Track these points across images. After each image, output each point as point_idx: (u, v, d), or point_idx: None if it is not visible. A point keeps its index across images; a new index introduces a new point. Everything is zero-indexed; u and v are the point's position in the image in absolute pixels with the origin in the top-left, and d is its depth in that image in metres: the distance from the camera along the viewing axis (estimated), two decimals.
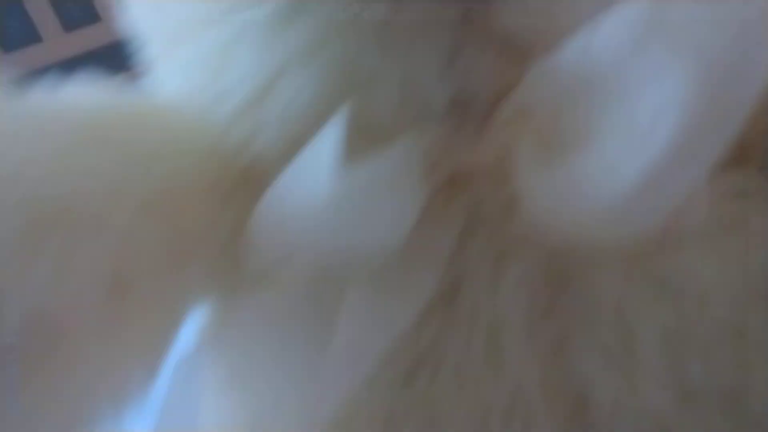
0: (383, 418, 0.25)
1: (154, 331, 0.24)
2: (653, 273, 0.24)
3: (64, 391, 0.21)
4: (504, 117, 0.23)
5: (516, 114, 0.23)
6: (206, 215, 0.25)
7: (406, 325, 0.24)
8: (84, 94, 0.25)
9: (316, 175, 0.21)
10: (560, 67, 0.22)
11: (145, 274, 0.23)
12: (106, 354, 0.22)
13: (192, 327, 0.28)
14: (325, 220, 0.20)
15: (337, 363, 0.23)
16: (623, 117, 0.20)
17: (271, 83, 0.22)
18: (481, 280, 0.25)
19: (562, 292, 0.25)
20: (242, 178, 0.26)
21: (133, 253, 0.23)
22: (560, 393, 0.25)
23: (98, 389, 0.22)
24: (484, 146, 0.24)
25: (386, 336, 0.23)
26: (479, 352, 0.24)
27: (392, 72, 0.22)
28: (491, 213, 0.25)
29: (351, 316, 0.23)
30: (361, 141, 0.23)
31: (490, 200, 0.25)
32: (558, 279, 0.25)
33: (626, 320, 0.24)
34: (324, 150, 0.21)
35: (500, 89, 0.24)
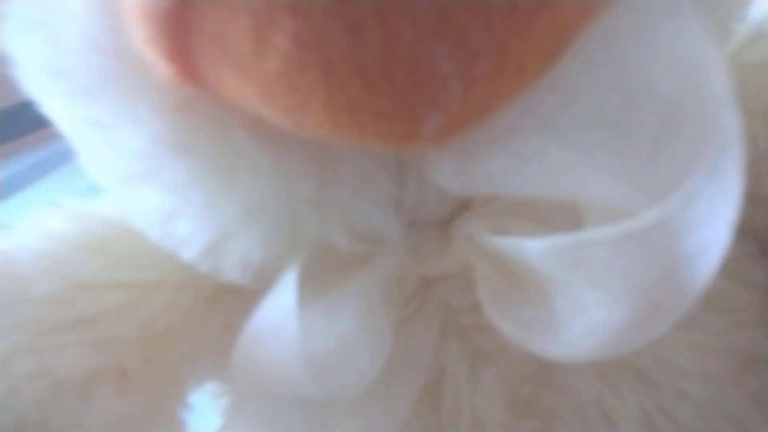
0: None
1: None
2: (628, 365, 0.25)
3: None
4: (457, 239, 0.24)
5: (467, 238, 0.23)
6: (195, 324, 0.27)
7: (399, 420, 0.25)
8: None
9: (280, 324, 0.22)
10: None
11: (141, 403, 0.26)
12: None
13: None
14: (296, 364, 0.21)
15: None
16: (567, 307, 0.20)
17: (217, 245, 0.23)
18: (461, 379, 0.26)
19: (542, 387, 0.26)
20: (224, 286, 0.27)
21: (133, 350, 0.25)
22: None
23: None
24: (447, 257, 0.24)
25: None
26: None
27: (336, 223, 0.22)
28: (463, 315, 0.26)
29: (345, 416, 0.25)
30: (327, 271, 0.24)
31: (460, 303, 0.25)
32: (536, 376, 0.25)
33: (606, 411, 0.25)
34: (283, 302, 0.22)
35: (452, 209, 0.24)
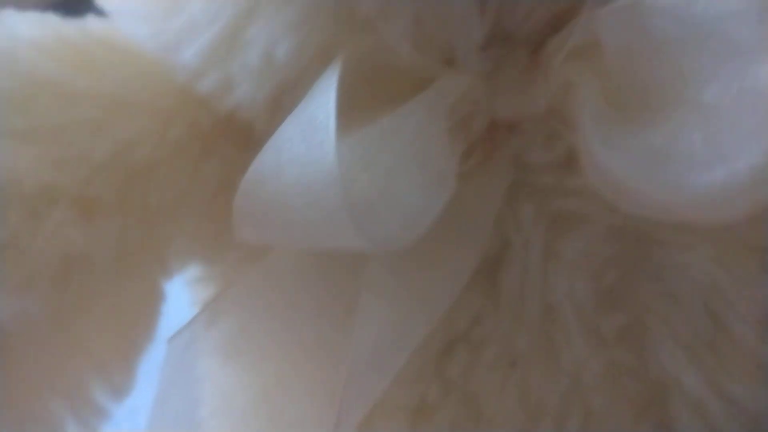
0: (411, 408, 0.22)
1: (132, 305, 0.22)
2: (749, 246, 0.20)
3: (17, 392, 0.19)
4: (561, 55, 0.18)
5: (578, 51, 0.18)
6: (185, 165, 0.21)
7: (444, 306, 0.20)
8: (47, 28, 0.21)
9: (312, 142, 0.16)
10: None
11: (135, 217, 0.20)
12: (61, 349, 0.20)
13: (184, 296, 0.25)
14: (331, 199, 0.16)
15: (362, 357, 0.19)
16: (736, 88, 0.15)
17: (235, 31, 0.17)
18: (532, 253, 0.20)
19: (634, 272, 0.20)
20: (224, 124, 0.21)
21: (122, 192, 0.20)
22: (628, 391, 0.21)
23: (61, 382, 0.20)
24: (533, 91, 0.19)
25: (420, 321, 0.20)
26: (527, 338, 0.20)
27: (400, 19, 0.17)
28: (545, 168, 0.20)
29: (375, 295, 0.19)
30: (373, 94, 0.18)
31: (542, 154, 0.20)
32: (629, 256, 0.20)
33: (715, 303, 0.20)
34: (319, 111, 0.16)
35: (551, 20, 0.18)
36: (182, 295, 0.25)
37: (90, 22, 0.22)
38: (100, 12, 0.22)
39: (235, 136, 0.21)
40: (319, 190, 0.16)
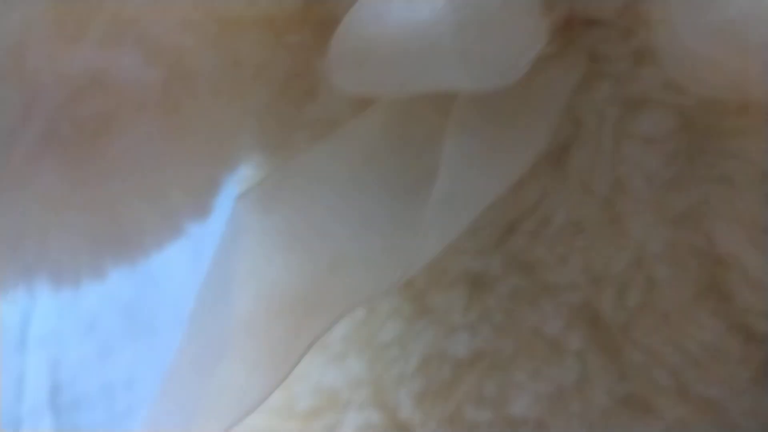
0: (471, 278, 0.23)
1: (205, 162, 0.22)
2: None
3: (107, 202, 0.19)
4: None
5: None
6: (259, 50, 0.21)
7: (512, 178, 0.20)
8: None
9: None
10: None
11: (197, 93, 0.20)
12: (158, 173, 0.20)
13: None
14: (426, 48, 0.16)
15: (433, 214, 0.19)
16: None
17: None
18: (603, 131, 0.21)
19: (698, 156, 0.21)
20: (300, 13, 0.21)
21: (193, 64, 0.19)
22: (691, 266, 0.21)
23: (147, 211, 0.20)
24: None
25: (489, 190, 0.20)
26: (595, 208, 0.21)
27: None
28: (618, 61, 0.21)
29: (450, 164, 0.20)
30: None
31: (616, 49, 0.20)
32: (694, 140, 0.21)
33: None
34: None
35: None
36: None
37: None
38: None
39: (315, 21, 0.21)
40: (427, 29, 0.17)
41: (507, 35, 0.18)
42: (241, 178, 0.25)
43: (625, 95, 0.21)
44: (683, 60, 0.18)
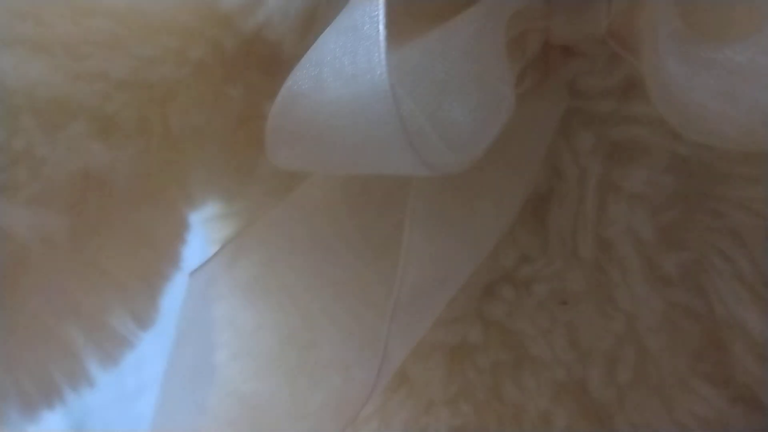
0: (449, 348, 0.20)
1: (156, 232, 0.20)
2: None
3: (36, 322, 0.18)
4: None
5: None
6: (207, 89, 0.20)
7: (493, 241, 0.18)
8: None
9: (358, 53, 0.14)
10: None
11: (161, 142, 0.19)
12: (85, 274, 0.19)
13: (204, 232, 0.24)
14: (380, 117, 0.14)
15: (406, 295, 0.17)
16: None
17: None
18: (588, 184, 0.18)
19: (696, 207, 0.19)
20: (248, 46, 0.20)
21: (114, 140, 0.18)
22: (687, 332, 0.19)
23: (79, 314, 0.19)
24: (594, 11, 0.17)
25: (467, 258, 0.18)
26: (580, 275, 0.19)
27: None
28: (601, 96, 0.18)
29: (420, 230, 0.18)
30: (420, 6, 0.16)
31: (599, 80, 0.18)
32: (691, 189, 0.18)
33: None
34: (364, 20, 0.14)
35: None
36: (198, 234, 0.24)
37: None
38: None
39: (260, 60, 0.20)
40: (366, 106, 0.14)
41: (467, 106, 0.15)
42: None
43: (611, 142, 0.18)
44: (676, 105, 0.16)
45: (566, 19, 0.17)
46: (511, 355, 0.20)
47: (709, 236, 0.19)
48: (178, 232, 0.21)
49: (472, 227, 0.18)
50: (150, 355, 0.23)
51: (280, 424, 0.21)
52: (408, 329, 0.18)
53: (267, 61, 0.19)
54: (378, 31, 0.14)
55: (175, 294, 0.22)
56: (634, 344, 0.19)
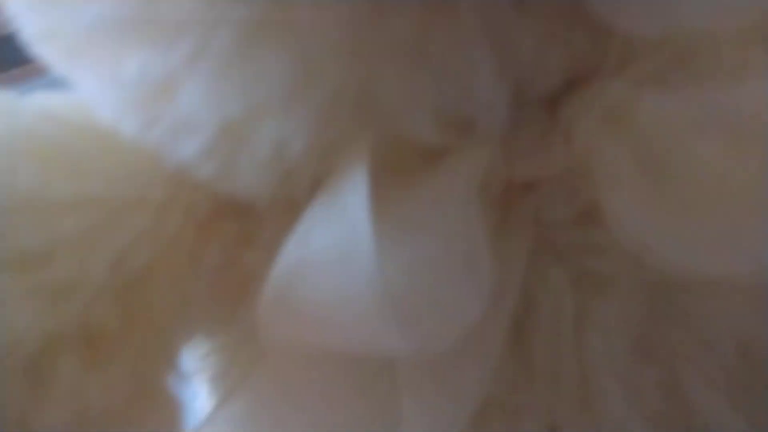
0: None
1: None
2: None
3: None
4: (584, 121, 0.17)
5: (602, 120, 0.17)
6: (183, 257, 0.20)
7: (482, 390, 0.19)
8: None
9: (343, 237, 0.15)
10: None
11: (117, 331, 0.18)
12: None
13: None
14: (369, 300, 0.14)
15: None
16: None
17: (242, 126, 0.16)
18: (564, 317, 0.19)
19: (665, 323, 0.20)
20: (223, 206, 0.20)
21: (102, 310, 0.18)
22: None
23: None
24: (552, 152, 0.18)
25: (463, 408, 0.18)
26: (566, 404, 0.20)
27: (426, 89, 0.16)
28: (565, 228, 0.19)
29: (414, 397, 0.18)
30: (399, 168, 0.17)
31: (562, 212, 0.19)
32: (659, 307, 0.19)
33: (753, 355, 0.19)
34: (349, 205, 0.15)
35: (566, 83, 0.17)
36: None
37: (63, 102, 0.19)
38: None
39: (234, 212, 0.20)
40: (354, 288, 0.15)
41: (450, 294, 0.16)
42: None
43: (579, 273, 0.19)
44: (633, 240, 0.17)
45: (526, 162, 0.18)
46: None
47: (678, 348, 0.20)
48: (174, 418, 0.21)
49: (462, 381, 0.19)
50: None
51: None
52: None
53: (242, 211, 0.20)
54: (364, 218, 0.15)
55: None
56: None
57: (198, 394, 0.24)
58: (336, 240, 0.15)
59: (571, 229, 0.19)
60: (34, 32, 0.18)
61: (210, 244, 0.20)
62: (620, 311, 0.19)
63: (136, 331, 0.18)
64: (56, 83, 0.19)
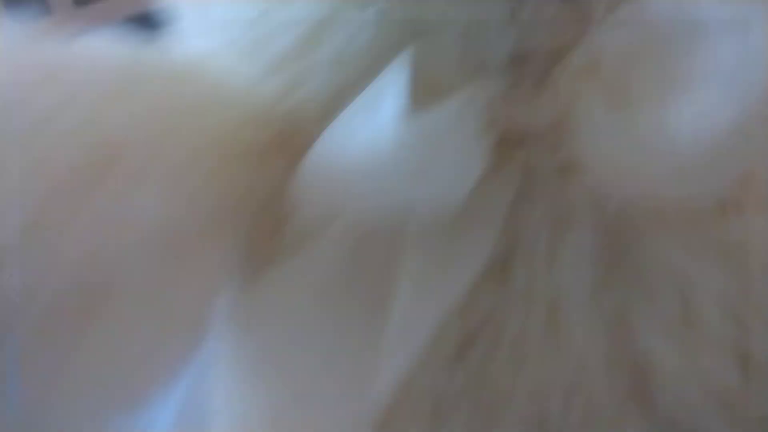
0: (433, 399, 0.24)
1: (199, 299, 0.23)
2: (714, 238, 0.23)
3: (110, 359, 0.20)
4: (567, 74, 0.22)
5: (581, 70, 0.21)
6: (243, 177, 0.23)
7: (461, 294, 0.22)
8: (116, 48, 0.23)
9: (378, 120, 0.19)
10: (631, 18, 0.20)
11: (191, 232, 0.21)
12: (155, 320, 0.21)
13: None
14: (386, 170, 0.19)
15: (390, 341, 0.21)
16: (704, 67, 0.19)
17: (318, 30, 0.20)
18: (538, 248, 0.23)
19: (622, 261, 0.23)
20: (279, 139, 0.23)
21: (179, 209, 0.21)
22: (622, 367, 0.23)
23: (146, 360, 0.21)
24: (542, 105, 0.22)
25: (442, 307, 0.22)
26: (538, 325, 0.23)
27: (455, 22, 0.20)
28: (547, 176, 0.23)
29: (406, 286, 0.22)
30: (420, 92, 0.21)
31: (546, 162, 0.23)
32: (617, 247, 0.23)
33: (686, 288, 0.23)
34: (388, 94, 0.19)
35: (561, 45, 0.22)
36: None
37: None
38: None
39: (288, 153, 0.23)
40: (380, 156, 0.19)
41: (455, 158, 0.20)
42: None
43: (554, 216, 0.23)
44: (605, 170, 0.21)
45: (520, 112, 0.23)
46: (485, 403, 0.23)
47: (629, 288, 0.23)
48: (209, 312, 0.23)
49: (452, 264, 0.22)
50: None
51: None
52: (397, 360, 0.21)
53: (292, 152, 0.23)
54: (399, 104, 0.19)
55: None
56: (582, 390, 0.23)
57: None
58: (372, 118, 0.19)
59: (551, 179, 0.23)
60: None
61: (266, 167, 0.23)
62: (585, 249, 0.23)
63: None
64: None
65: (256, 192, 0.23)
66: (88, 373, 0.20)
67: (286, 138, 0.23)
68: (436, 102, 0.21)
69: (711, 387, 0.23)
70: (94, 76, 0.21)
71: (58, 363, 0.19)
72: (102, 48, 0.23)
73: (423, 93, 0.21)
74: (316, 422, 0.22)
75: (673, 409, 0.24)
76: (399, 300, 0.21)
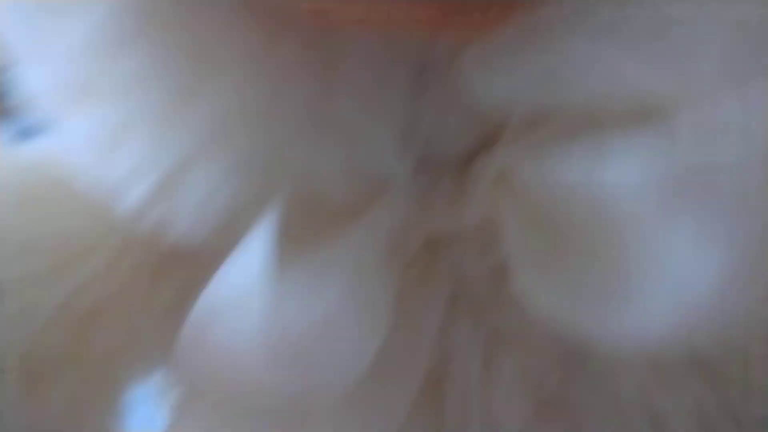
0: None
1: None
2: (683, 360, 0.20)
3: None
4: (484, 180, 0.19)
5: (500, 177, 0.19)
6: (135, 298, 0.22)
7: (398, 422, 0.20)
8: None
9: (246, 284, 0.17)
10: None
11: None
12: None
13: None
14: (267, 342, 0.16)
15: None
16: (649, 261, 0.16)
17: (175, 174, 0.18)
18: (471, 370, 0.20)
19: (572, 381, 0.20)
20: (172, 254, 0.22)
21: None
22: None
23: None
24: (464, 208, 0.19)
25: None
26: None
27: (333, 152, 0.18)
28: (477, 286, 0.20)
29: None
30: (311, 226, 0.19)
31: (474, 270, 0.20)
32: (568, 362, 0.20)
33: (655, 406, 0.20)
34: (254, 254, 0.17)
35: (474, 145, 0.19)
36: None
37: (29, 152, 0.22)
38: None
39: (186, 260, 0.22)
40: (254, 335, 0.17)
41: (348, 338, 0.18)
42: None
43: (489, 327, 0.20)
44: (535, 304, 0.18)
45: (439, 219, 0.20)
46: None
47: (586, 402, 0.20)
48: None
49: (374, 412, 0.20)
50: None
51: None
52: None
53: (194, 259, 0.21)
54: (263, 275, 0.16)
55: None
56: None
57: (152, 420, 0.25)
58: (238, 290, 0.17)
59: (484, 284, 0.20)
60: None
61: (162, 285, 0.22)
62: (527, 368, 0.20)
63: (83, 362, 0.20)
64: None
65: (154, 307, 0.22)
66: None
67: (179, 253, 0.21)
68: (330, 235, 0.18)
69: None
70: None
71: None
72: None
73: (313, 227, 0.19)
74: None
75: None
76: None
